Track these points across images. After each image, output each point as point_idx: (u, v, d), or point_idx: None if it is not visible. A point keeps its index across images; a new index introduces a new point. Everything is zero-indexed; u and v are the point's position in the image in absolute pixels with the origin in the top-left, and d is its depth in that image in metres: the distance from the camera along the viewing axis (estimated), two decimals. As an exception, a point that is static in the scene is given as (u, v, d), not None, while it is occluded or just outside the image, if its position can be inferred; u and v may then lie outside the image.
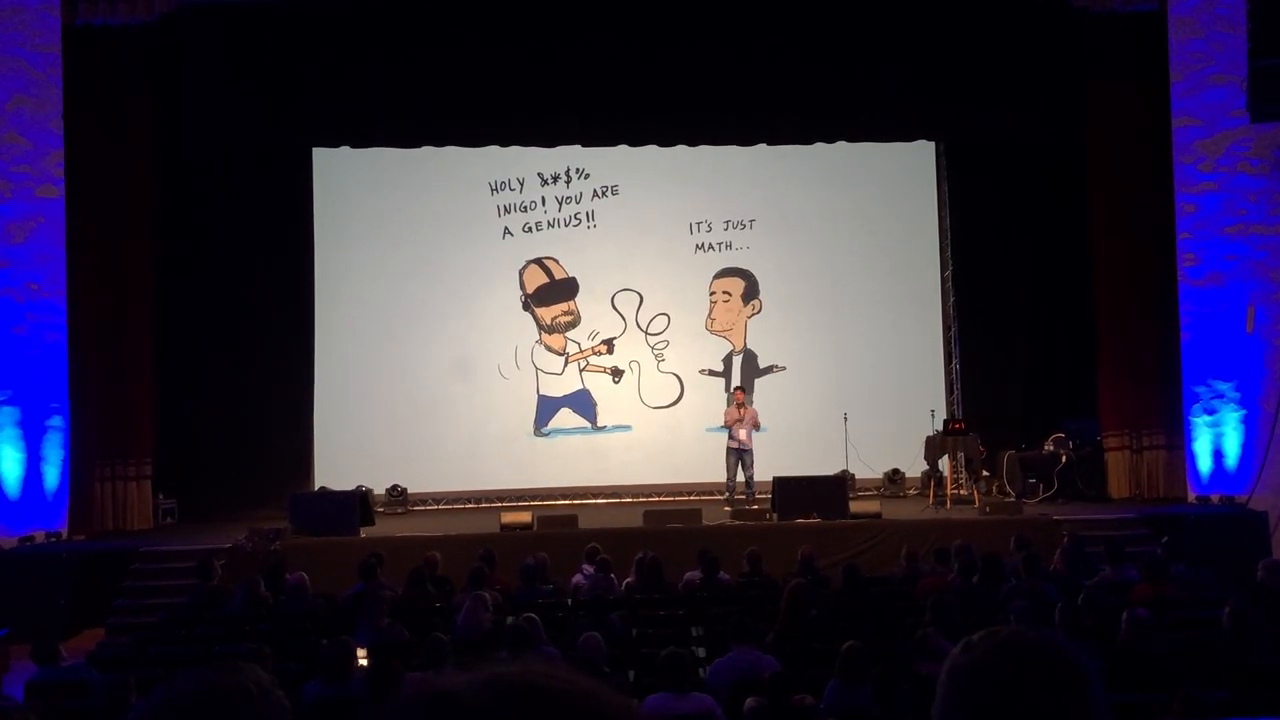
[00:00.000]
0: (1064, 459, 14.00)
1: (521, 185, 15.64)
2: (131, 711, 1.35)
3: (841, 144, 15.20)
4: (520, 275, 15.63)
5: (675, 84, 13.95)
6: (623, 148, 15.03)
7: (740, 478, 13.68)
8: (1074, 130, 14.21)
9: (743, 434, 13.62)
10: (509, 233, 15.61)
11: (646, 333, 15.69)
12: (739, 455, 13.68)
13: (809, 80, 14.07)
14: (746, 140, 14.95)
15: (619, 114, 14.32)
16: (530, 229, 15.65)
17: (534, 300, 15.66)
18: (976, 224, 15.42)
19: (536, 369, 15.59)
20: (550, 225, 15.69)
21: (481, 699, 0.68)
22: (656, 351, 15.68)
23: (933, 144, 15.78)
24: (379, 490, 14.42)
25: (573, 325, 15.69)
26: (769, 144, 15.12)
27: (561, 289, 15.71)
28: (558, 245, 15.70)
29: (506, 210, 15.61)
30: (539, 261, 15.66)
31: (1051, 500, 13.68)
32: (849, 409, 14.49)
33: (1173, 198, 13.42)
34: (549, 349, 15.66)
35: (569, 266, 15.72)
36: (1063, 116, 14.17)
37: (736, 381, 15.37)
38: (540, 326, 15.66)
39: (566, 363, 15.65)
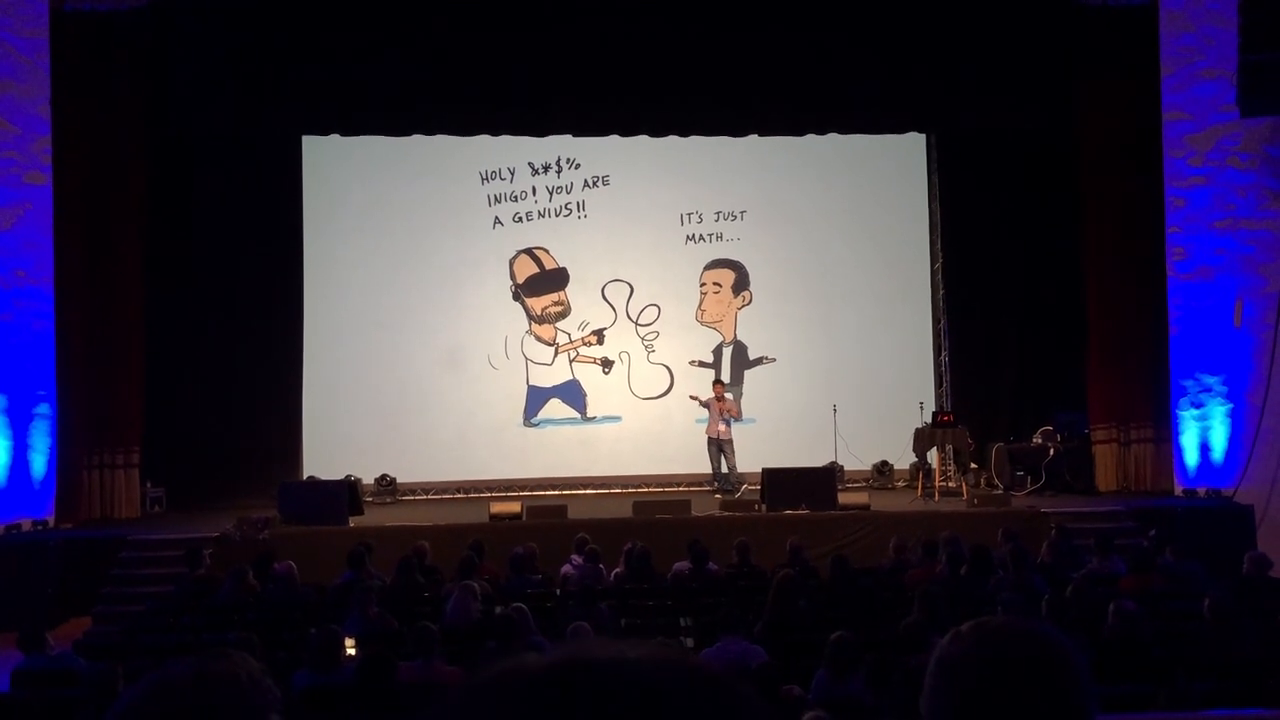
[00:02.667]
0: (1052, 452, 14.04)
1: (512, 175, 15.61)
2: (120, 699, 1.34)
3: (833, 135, 15.20)
4: (510, 265, 15.61)
5: (667, 74, 13.93)
6: (614, 138, 15.01)
7: (724, 468, 13.86)
8: (1064, 123, 14.23)
9: (721, 426, 13.88)
10: (499, 222, 15.58)
11: (637, 323, 15.69)
12: (719, 446, 13.92)
13: (800, 71, 14.05)
14: (738, 131, 14.93)
15: (610, 103, 14.28)
16: (520, 219, 15.62)
17: (524, 290, 15.63)
18: (967, 217, 15.44)
19: (526, 359, 15.58)
20: (541, 215, 15.67)
21: (560, 680, 0.67)
22: (646, 342, 15.68)
23: (924, 136, 15.79)
24: (368, 480, 14.41)
25: (563, 316, 15.68)
26: (760, 135, 15.11)
27: (552, 279, 15.69)
28: (548, 235, 15.68)
29: (497, 200, 15.58)
30: (529, 251, 15.64)
31: (1039, 493, 13.72)
32: (838, 401, 14.51)
33: (1162, 192, 13.45)
34: (539, 339, 15.65)
35: (559, 257, 15.70)
36: (1053, 110, 14.19)
37: (727, 372, 15.41)
38: (530, 317, 15.64)
39: (556, 353, 15.64)
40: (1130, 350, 13.95)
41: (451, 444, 15.20)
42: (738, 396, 15.11)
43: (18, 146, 12.58)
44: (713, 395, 14.14)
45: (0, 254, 12.50)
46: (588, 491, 14.96)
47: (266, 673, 1.42)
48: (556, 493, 14.68)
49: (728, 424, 13.99)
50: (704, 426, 14.27)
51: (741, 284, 15.86)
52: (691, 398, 14.28)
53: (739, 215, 15.79)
